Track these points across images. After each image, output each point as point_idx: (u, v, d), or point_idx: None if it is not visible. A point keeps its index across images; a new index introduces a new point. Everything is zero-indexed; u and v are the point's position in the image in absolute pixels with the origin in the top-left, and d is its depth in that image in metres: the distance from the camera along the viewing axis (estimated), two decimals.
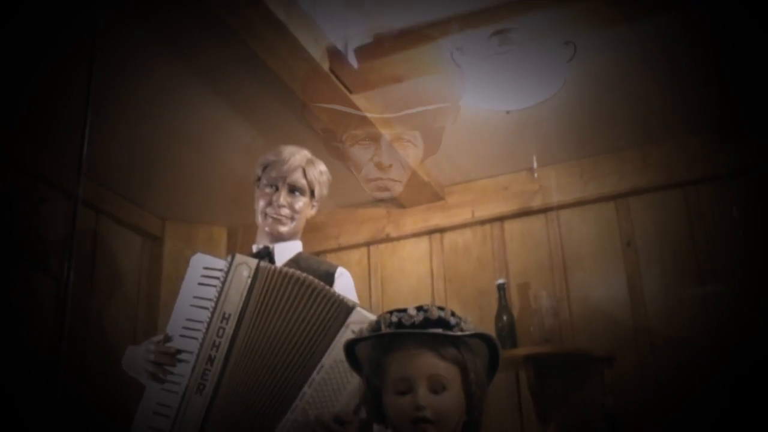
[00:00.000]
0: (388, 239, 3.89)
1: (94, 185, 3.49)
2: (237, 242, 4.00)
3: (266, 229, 2.41)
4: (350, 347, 1.70)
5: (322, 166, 2.51)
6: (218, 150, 3.43)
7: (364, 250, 3.91)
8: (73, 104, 2.74)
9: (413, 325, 1.58)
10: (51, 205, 3.24)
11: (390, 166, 2.34)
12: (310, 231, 2.59)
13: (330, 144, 2.91)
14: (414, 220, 3.85)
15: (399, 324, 1.59)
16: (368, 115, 2.86)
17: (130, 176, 3.58)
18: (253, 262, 2.09)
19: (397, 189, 2.35)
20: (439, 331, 1.58)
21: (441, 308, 1.62)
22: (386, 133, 2.92)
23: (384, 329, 1.60)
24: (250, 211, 2.47)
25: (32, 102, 2.99)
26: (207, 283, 2.11)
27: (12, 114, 3.06)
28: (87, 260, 3.48)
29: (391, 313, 1.62)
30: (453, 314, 1.62)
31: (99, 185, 3.56)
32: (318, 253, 3.71)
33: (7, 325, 2.96)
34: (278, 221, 2.40)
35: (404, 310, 1.60)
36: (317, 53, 2.69)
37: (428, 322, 1.58)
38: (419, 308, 1.60)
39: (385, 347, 1.62)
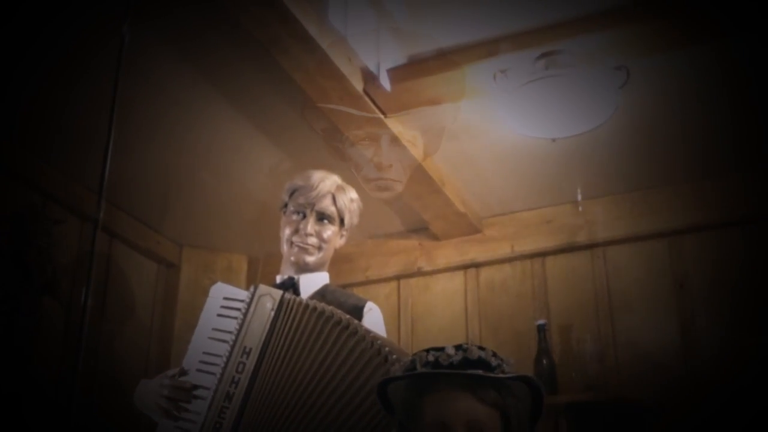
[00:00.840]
0: (420, 273, 3.90)
1: (108, 207, 3.56)
2: (258, 272, 4.04)
3: (291, 258, 2.42)
4: (383, 387, 1.69)
5: (353, 193, 2.52)
6: (241, 174, 3.48)
7: (393, 284, 3.94)
8: (91, 121, 2.83)
9: (451, 366, 1.57)
10: (63, 227, 3.31)
11: (390, 166, 2.34)
12: (337, 262, 2.59)
13: (331, 144, 2.94)
14: (448, 253, 3.86)
15: (436, 364, 1.58)
16: (372, 116, 2.88)
17: (147, 199, 3.63)
18: (277, 293, 2.10)
19: (398, 188, 2.42)
20: (480, 372, 1.57)
21: (481, 348, 1.61)
22: (386, 133, 2.94)
23: (419, 369, 1.59)
24: (273, 239, 2.48)
25: (47, 118, 3.05)
26: (227, 315, 2.13)
27: (26, 129, 3.12)
28: (99, 286, 3.54)
29: (427, 351, 1.61)
30: (494, 355, 1.61)
31: (114, 207, 3.62)
32: (345, 286, 3.69)
33: (14, 352, 3.00)
34: (305, 251, 2.41)
35: (442, 349, 1.60)
36: (351, 73, 2.72)
37: (467, 363, 1.58)
38: (458, 347, 1.60)
39: (421, 389, 1.61)
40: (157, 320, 3.90)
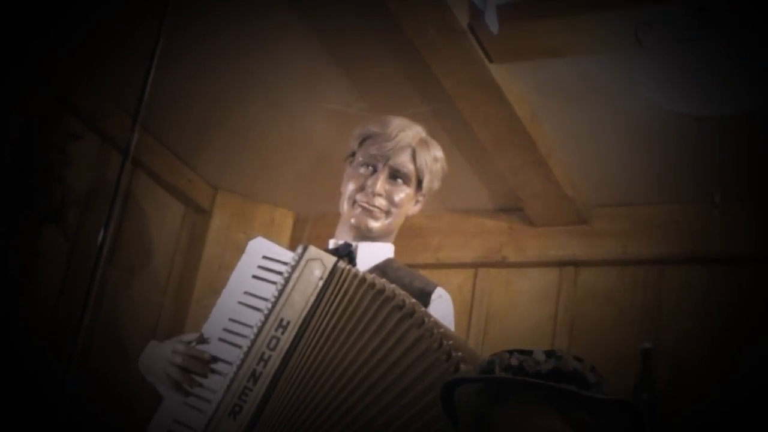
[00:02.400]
0: (505, 263, 3.90)
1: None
2: (305, 233, 4.06)
3: (352, 221, 2.45)
4: (449, 388, 1.70)
5: (437, 151, 2.55)
6: (300, 112, 3.50)
7: (470, 272, 3.94)
8: (132, 27, 2.91)
9: (538, 374, 1.57)
10: (80, 145, 3.34)
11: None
12: (404, 235, 2.62)
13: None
14: (543, 243, 3.85)
15: (519, 369, 1.58)
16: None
17: (184, 126, 3.66)
18: (330, 259, 2.14)
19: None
20: (573, 388, 1.56)
21: (578, 359, 1.61)
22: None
23: (498, 372, 1.60)
24: (329, 196, 2.50)
25: (82, 17, 3.09)
26: (264, 278, 2.17)
27: (54, 26, 3.14)
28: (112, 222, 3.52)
29: (510, 353, 1.62)
30: (593, 370, 1.61)
31: (142, 129, 3.55)
32: (410, 266, 3.72)
33: (2, 287, 3.06)
34: (369, 213, 2.44)
35: (529, 353, 1.60)
36: (455, 3, 2.74)
37: (559, 374, 1.57)
38: (550, 353, 1.60)
39: (496, 397, 1.61)
40: (175, 274, 3.93)
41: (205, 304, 2.25)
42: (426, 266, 3.80)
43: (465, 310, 3.82)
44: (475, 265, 3.94)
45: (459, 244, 3.98)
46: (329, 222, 2.52)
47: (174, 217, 3.96)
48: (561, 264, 3.83)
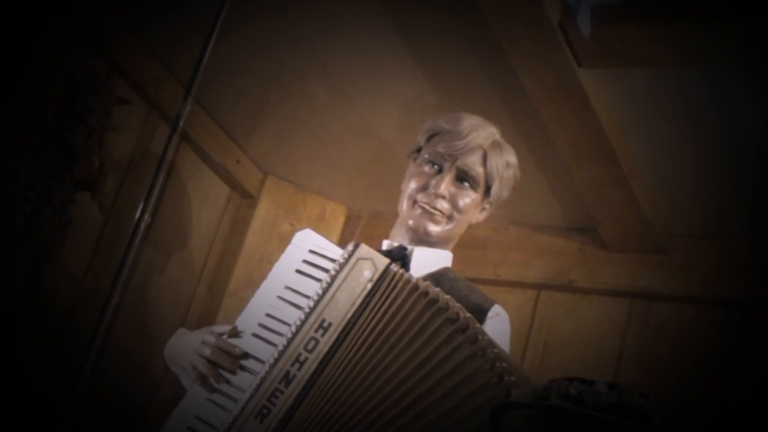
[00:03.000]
0: (571, 287, 3.88)
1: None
2: (357, 232, 4.05)
3: (410, 222, 2.45)
4: (499, 412, 1.70)
5: (511, 156, 2.56)
6: (366, 101, 3.51)
7: (531, 293, 3.91)
8: None
9: (598, 407, 1.57)
10: (126, 111, 3.34)
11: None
12: (463, 245, 2.62)
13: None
14: (615, 270, 3.81)
15: (578, 399, 1.59)
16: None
17: (238, 102, 3.64)
18: (382, 261, 2.14)
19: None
20: (636, 426, 1.56)
21: (644, 395, 1.60)
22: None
23: (554, 400, 1.60)
24: (387, 194, 2.52)
25: None
26: (309, 273, 2.19)
27: None
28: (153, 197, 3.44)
29: (570, 380, 1.62)
30: (659, 409, 1.60)
31: (194, 101, 3.50)
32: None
33: (30, 250, 3.07)
34: (430, 215, 2.44)
35: (590, 382, 1.60)
36: None
37: (622, 410, 1.57)
38: (612, 386, 1.60)
39: (550, 427, 1.61)
40: (213, 261, 3.92)
41: (242, 296, 2.24)
42: (484, 282, 3.72)
43: (522, 334, 3.80)
44: (538, 287, 3.92)
45: (523, 261, 3.96)
46: (384, 222, 2.56)
47: (217, 199, 3.95)
48: (633, 295, 3.79)
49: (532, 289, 3.92)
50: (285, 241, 2.33)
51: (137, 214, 2.22)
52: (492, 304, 2.42)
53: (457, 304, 2.10)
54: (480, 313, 2.35)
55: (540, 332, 3.85)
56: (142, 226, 2.18)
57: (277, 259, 2.28)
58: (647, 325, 3.74)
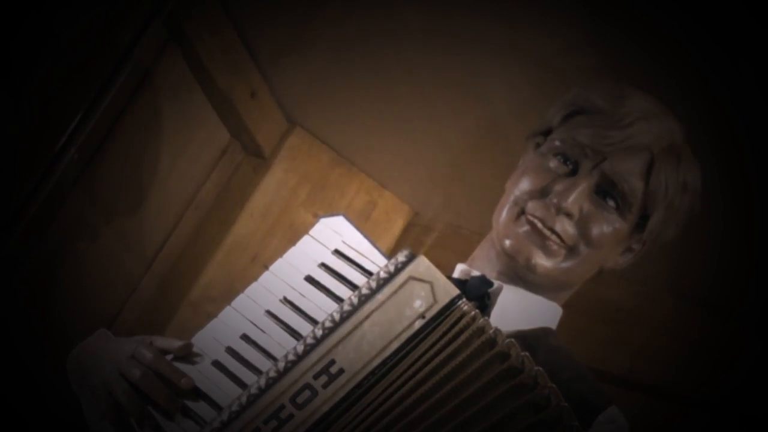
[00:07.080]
0: None
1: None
2: (423, 248, 3.54)
3: (506, 243, 1.96)
4: None
5: (692, 174, 2.01)
6: (468, 81, 3.28)
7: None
8: None
9: None
10: None
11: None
12: (580, 305, 2.21)
13: None
14: None
15: None
16: None
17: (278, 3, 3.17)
18: (447, 291, 1.72)
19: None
20: None
21: None
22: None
23: None
24: (475, 204, 2.51)
25: None
26: (326, 285, 1.79)
27: None
28: (108, 126, 2.92)
29: None
30: None
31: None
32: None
33: None
34: (541, 238, 1.94)
35: None
36: None
37: None
38: None
39: None
40: (176, 243, 3.38)
41: (209, 310, 1.99)
42: (609, 377, 3.52)
43: None
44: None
45: None
46: (463, 241, 2.43)
47: (207, 146, 3.38)
48: None
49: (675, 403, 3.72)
50: (298, 233, 1.92)
51: (62, 140, 1.83)
52: (606, 405, 1.92)
53: (551, 385, 1.67)
54: (586, 410, 1.86)
55: None
56: (67, 159, 1.83)
57: (275, 260, 1.91)
58: None
